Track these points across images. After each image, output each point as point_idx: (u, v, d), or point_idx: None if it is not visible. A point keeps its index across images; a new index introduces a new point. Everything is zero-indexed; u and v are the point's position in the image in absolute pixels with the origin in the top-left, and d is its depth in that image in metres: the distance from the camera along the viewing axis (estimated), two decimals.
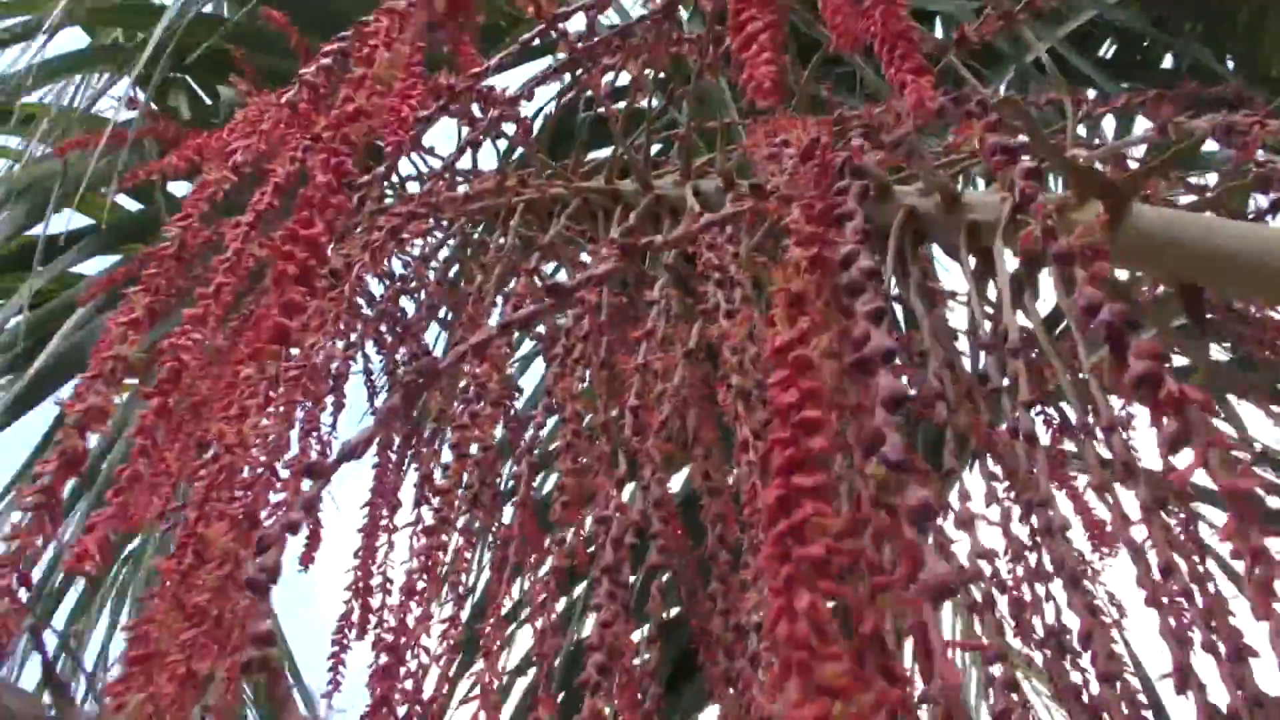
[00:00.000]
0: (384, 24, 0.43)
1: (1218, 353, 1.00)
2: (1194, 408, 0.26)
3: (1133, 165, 0.76)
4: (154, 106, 1.51)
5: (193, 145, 0.80)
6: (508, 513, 0.66)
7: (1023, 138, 0.54)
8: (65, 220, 1.34)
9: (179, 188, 1.45)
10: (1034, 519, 0.51)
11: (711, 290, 0.65)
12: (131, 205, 1.65)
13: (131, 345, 0.42)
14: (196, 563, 0.42)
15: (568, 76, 0.85)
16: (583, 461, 0.65)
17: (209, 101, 1.66)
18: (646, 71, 0.86)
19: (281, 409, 0.51)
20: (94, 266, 1.55)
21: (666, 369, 0.68)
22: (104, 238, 1.50)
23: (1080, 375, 0.68)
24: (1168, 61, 1.50)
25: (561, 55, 0.76)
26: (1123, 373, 0.28)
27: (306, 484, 0.35)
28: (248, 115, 0.68)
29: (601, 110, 0.94)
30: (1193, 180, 0.77)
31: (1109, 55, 1.54)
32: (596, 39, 0.71)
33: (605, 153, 0.94)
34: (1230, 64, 1.49)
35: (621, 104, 0.88)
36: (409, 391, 0.36)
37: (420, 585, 0.59)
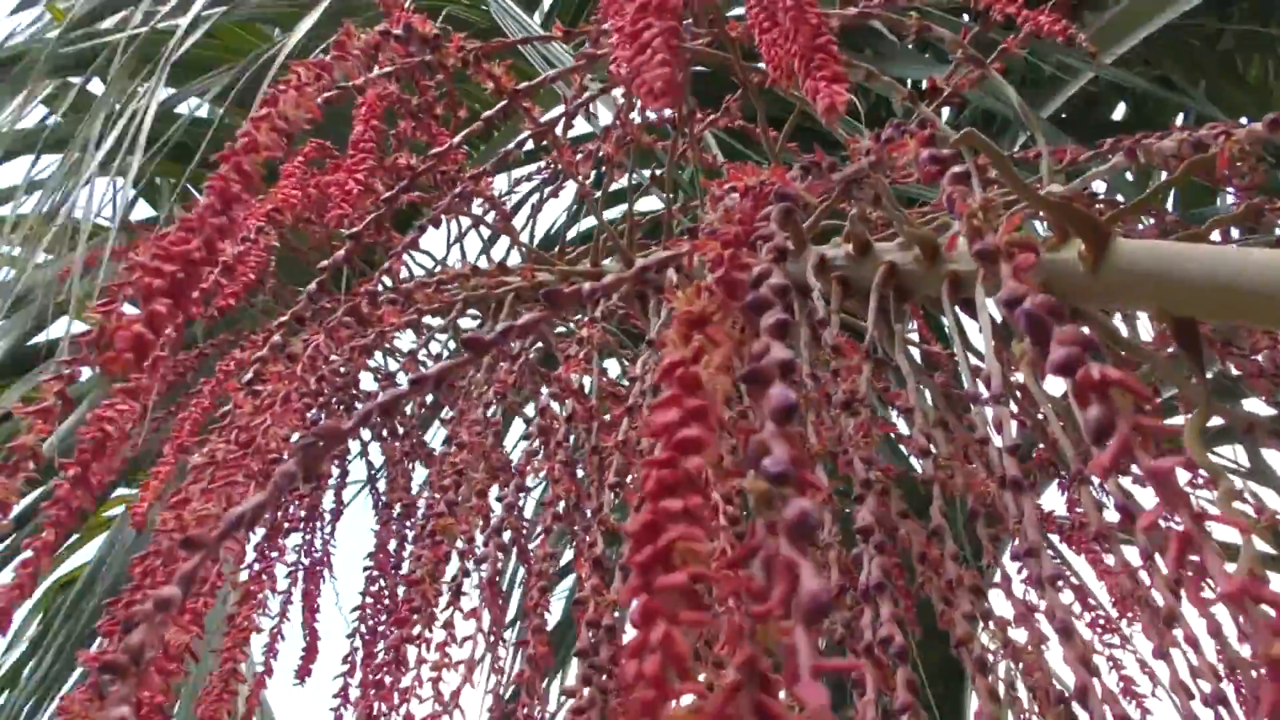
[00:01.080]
0: (297, 70, 0.41)
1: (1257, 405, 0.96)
2: (1117, 390, 0.23)
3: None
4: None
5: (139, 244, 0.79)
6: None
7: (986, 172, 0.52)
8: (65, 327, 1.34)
9: None
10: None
11: None
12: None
13: (39, 434, 0.40)
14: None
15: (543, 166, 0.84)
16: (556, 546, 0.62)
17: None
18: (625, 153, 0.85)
19: (220, 493, 0.49)
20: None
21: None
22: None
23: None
24: (1179, 120, 1.48)
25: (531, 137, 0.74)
26: (1044, 364, 0.25)
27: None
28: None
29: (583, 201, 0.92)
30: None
31: (1120, 118, 1.53)
32: (568, 110, 0.70)
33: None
34: (1245, 121, 1.46)
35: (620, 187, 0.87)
36: (308, 455, 0.33)
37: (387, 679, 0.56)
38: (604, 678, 0.54)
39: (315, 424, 0.62)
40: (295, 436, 0.64)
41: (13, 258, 1.49)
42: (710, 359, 0.26)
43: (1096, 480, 0.61)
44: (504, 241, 0.98)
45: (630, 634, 0.26)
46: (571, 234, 1.28)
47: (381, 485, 1.07)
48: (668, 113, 0.86)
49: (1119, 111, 1.58)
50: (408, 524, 0.91)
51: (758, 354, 0.27)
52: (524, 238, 0.95)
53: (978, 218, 0.33)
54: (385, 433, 1.04)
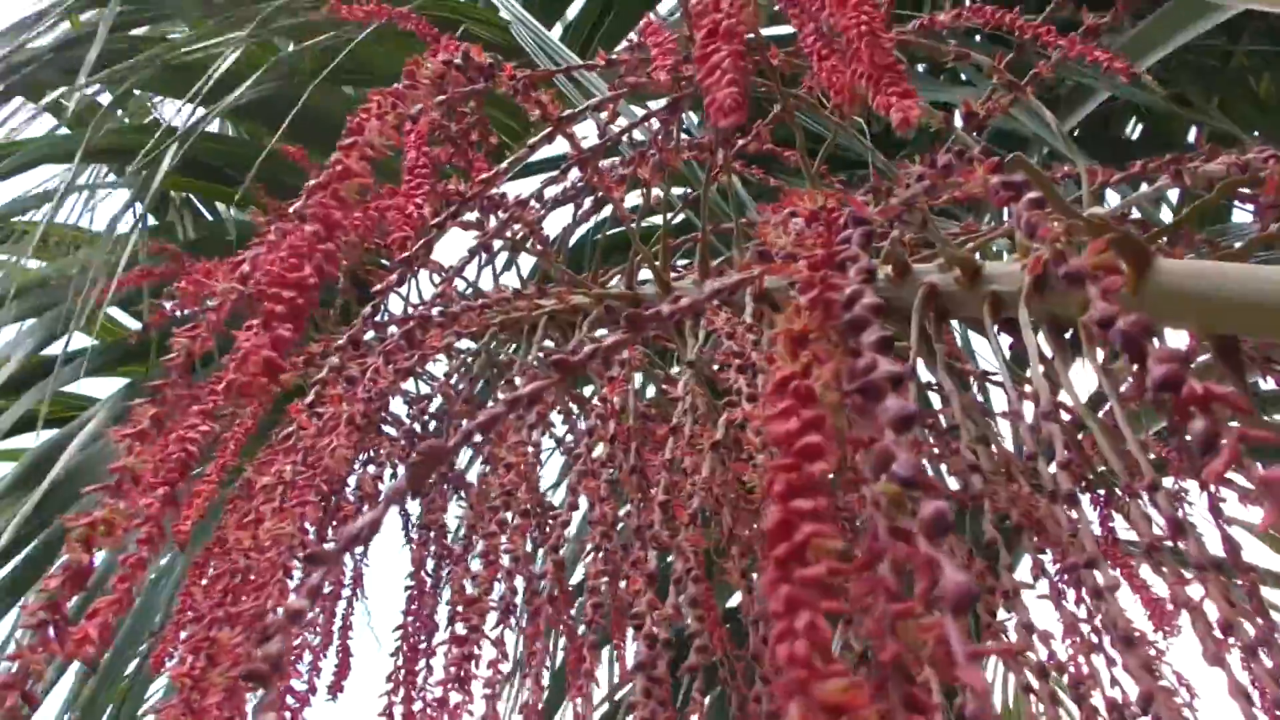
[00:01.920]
0: (375, 100, 0.43)
1: None
2: (1221, 405, 0.24)
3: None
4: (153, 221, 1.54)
5: (202, 269, 0.81)
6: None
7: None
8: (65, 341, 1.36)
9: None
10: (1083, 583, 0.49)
11: (733, 376, 0.64)
12: (134, 324, 1.67)
13: (139, 457, 0.41)
14: (209, 666, 0.40)
15: (579, 185, 0.86)
16: (612, 566, 0.64)
17: (209, 217, 1.68)
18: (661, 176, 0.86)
19: (295, 511, 0.50)
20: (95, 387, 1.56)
21: (696, 466, 0.66)
22: (103, 357, 1.51)
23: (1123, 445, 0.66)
24: (1191, 136, 1.51)
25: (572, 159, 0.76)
26: (1143, 381, 0.27)
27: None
28: (259, 232, 0.68)
29: (618, 220, 0.94)
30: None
31: (1134, 135, 1.55)
32: (604, 139, 0.72)
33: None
34: (1257, 135, 1.49)
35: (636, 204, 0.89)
36: (417, 472, 0.35)
37: (454, 699, 0.57)
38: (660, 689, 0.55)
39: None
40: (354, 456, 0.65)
41: (25, 269, 1.50)
42: (819, 373, 0.28)
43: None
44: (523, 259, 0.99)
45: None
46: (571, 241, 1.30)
47: (410, 507, 1.09)
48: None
49: (1133, 129, 1.61)
50: (444, 544, 0.93)
51: (865, 368, 0.28)
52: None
53: (1061, 242, 0.34)
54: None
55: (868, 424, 0.28)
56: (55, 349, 1.47)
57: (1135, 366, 0.27)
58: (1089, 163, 1.09)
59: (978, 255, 0.63)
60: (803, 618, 0.21)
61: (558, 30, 1.63)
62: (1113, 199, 1.15)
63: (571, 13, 1.64)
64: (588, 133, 0.80)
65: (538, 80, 0.67)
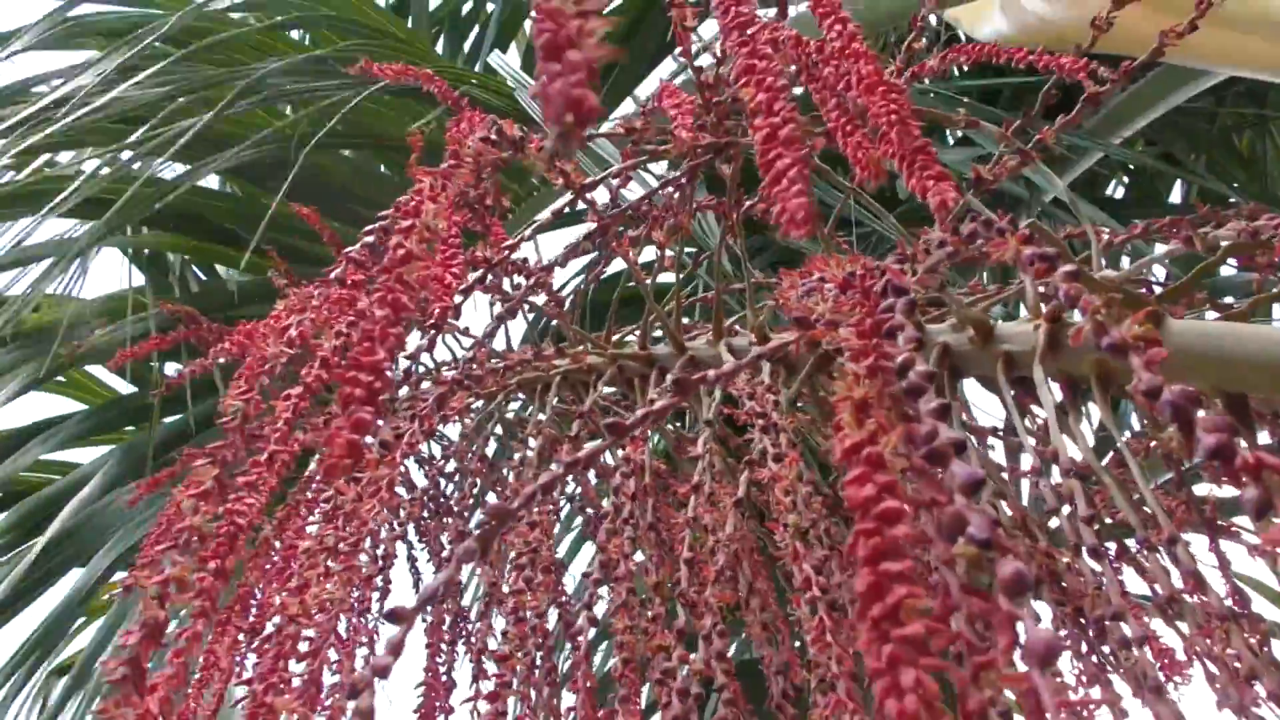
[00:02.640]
0: (426, 181, 0.45)
1: None
2: (1272, 472, 0.26)
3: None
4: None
5: (244, 330, 0.82)
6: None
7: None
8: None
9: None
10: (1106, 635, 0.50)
11: (756, 436, 0.65)
12: (123, 387, 1.67)
13: (205, 516, 0.43)
14: None
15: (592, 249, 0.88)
16: (639, 620, 0.65)
17: (204, 278, 1.69)
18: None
19: (341, 577, 0.52)
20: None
21: (716, 523, 0.68)
22: (96, 420, 1.52)
23: (1135, 496, 0.68)
24: (1176, 194, 1.55)
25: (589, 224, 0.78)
26: (1193, 449, 0.29)
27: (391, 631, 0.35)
28: (296, 296, 0.70)
29: (630, 280, 0.96)
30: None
31: (1118, 194, 1.59)
32: (623, 206, 0.74)
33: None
34: (1235, 187, 1.53)
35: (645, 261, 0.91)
36: (486, 533, 0.36)
37: None
38: None
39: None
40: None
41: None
42: (887, 440, 0.30)
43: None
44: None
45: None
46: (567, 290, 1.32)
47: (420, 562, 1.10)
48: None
49: (1115, 188, 1.65)
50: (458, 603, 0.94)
51: (929, 435, 0.30)
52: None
53: (1102, 313, 0.36)
54: (426, 513, 1.06)
55: (930, 487, 0.30)
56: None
57: (1184, 435, 0.29)
58: (1080, 223, 1.12)
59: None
60: (907, 674, 0.22)
61: None
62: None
63: None
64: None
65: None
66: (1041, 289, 0.61)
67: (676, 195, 0.82)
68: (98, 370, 1.71)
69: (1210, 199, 1.28)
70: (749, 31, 0.41)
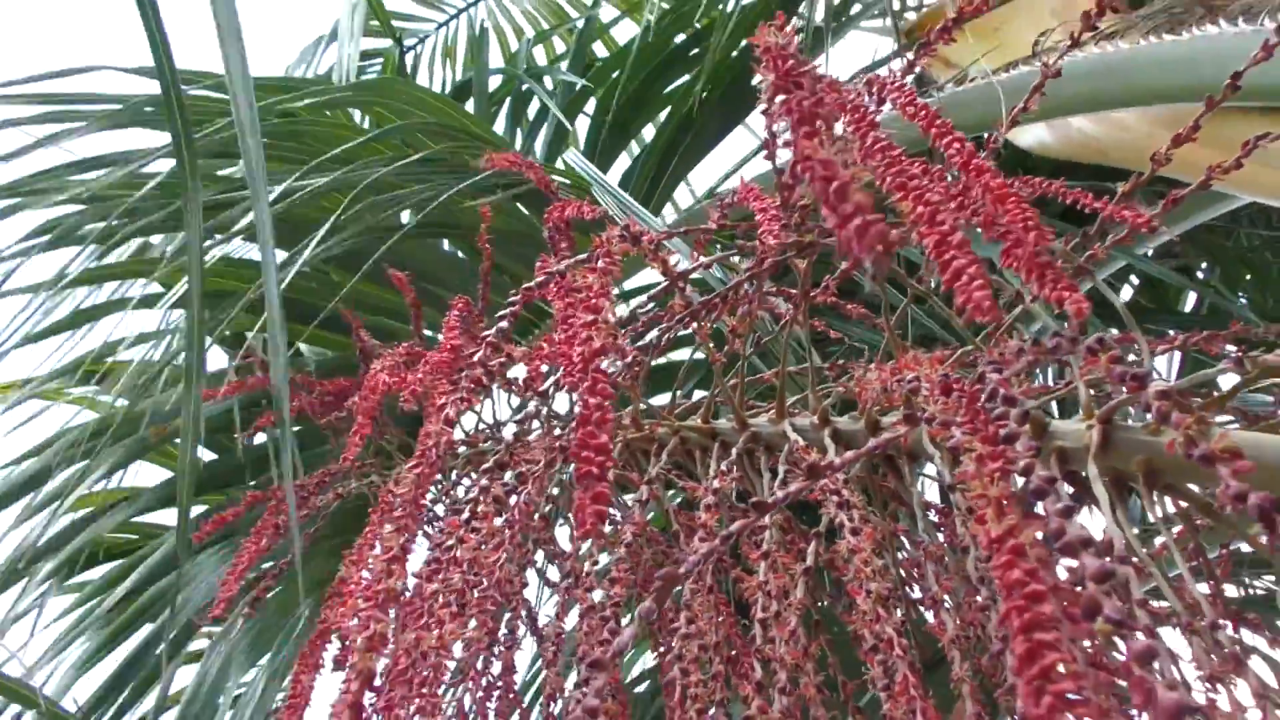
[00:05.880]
0: (589, 280, 0.52)
1: None
2: None
3: None
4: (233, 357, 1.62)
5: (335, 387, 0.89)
6: None
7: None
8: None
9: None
10: None
11: (833, 511, 0.72)
12: (206, 455, 1.74)
13: (397, 578, 0.49)
14: None
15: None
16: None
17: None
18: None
19: (476, 616, 0.58)
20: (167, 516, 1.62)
21: (781, 588, 0.75)
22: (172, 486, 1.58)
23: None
24: (1186, 303, 1.63)
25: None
26: (1274, 543, 0.36)
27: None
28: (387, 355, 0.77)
29: (694, 355, 1.04)
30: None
31: (1128, 300, 1.67)
32: (713, 295, 0.81)
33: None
34: (1245, 302, 1.61)
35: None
36: (661, 593, 0.43)
37: None
38: None
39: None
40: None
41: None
42: (1026, 534, 0.37)
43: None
44: None
45: None
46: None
47: None
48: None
49: (1127, 292, 1.73)
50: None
51: (1057, 532, 0.37)
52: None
53: (1193, 430, 0.43)
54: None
55: (1052, 571, 0.37)
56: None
57: (1267, 529, 0.36)
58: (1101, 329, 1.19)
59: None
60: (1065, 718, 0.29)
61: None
62: None
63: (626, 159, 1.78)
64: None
65: (654, 241, 0.77)
66: (1093, 391, 0.69)
67: (749, 285, 0.89)
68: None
69: (1215, 312, 1.36)
70: (894, 154, 0.48)
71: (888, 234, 0.36)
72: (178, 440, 1.42)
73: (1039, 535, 0.38)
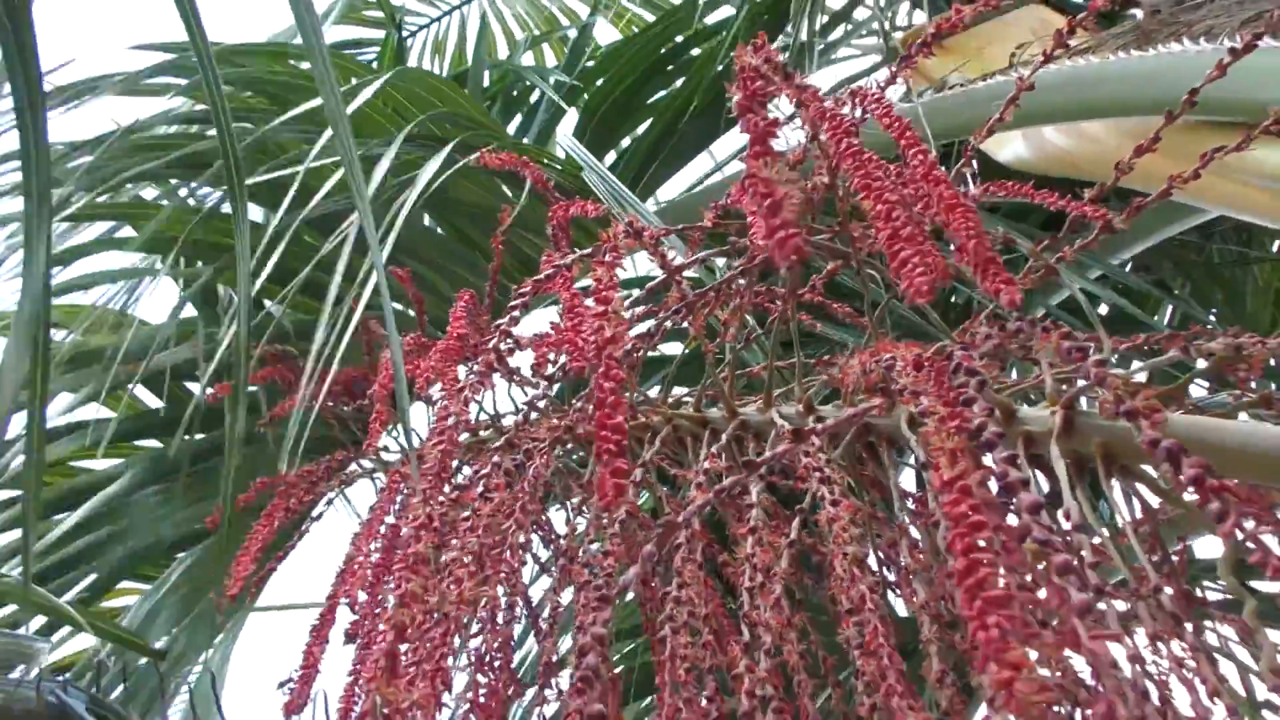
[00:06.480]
0: (601, 273, 0.58)
1: None
2: (1226, 493, 0.39)
3: None
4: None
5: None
6: None
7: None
8: None
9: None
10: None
11: (815, 485, 0.78)
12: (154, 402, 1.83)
13: (429, 542, 0.55)
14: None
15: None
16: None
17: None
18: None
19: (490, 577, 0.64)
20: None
21: (766, 563, 0.80)
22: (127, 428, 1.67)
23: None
24: (1157, 316, 1.70)
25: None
26: (1180, 482, 0.42)
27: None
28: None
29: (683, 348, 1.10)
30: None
31: (1104, 315, 1.74)
32: (707, 288, 0.87)
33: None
34: (1215, 314, 1.68)
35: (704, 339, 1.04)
36: (662, 539, 0.49)
37: None
38: None
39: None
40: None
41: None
42: (974, 477, 0.43)
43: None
44: None
45: None
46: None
47: None
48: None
49: (1101, 306, 1.80)
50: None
51: (1002, 475, 0.43)
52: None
53: (1121, 390, 0.49)
54: None
55: (998, 512, 0.43)
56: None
57: (1173, 468, 0.42)
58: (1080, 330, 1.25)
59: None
60: (993, 618, 0.35)
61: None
62: None
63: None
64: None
65: (654, 237, 0.83)
66: (1059, 382, 0.75)
67: (742, 281, 0.95)
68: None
69: (1192, 323, 1.42)
70: (863, 158, 0.55)
71: (802, 246, 0.42)
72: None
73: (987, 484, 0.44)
